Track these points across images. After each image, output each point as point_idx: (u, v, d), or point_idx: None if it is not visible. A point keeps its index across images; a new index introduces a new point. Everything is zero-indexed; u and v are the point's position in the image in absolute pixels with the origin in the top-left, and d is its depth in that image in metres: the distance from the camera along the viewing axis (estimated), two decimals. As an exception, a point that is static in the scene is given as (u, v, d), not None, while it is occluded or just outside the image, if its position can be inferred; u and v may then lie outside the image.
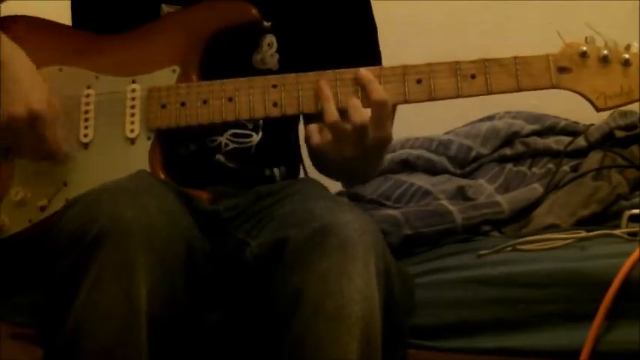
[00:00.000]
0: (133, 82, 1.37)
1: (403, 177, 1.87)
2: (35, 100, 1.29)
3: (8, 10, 1.44)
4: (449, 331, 1.30)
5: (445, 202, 1.68)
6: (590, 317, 1.20)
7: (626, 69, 1.26)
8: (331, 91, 1.28)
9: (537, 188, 1.72)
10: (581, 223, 1.59)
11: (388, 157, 1.89)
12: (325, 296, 1.08)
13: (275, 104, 1.31)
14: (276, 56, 1.46)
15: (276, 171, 1.48)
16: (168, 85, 1.35)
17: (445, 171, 1.87)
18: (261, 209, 1.34)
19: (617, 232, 1.42)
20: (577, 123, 1.94)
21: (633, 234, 1.39)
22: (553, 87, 1.28)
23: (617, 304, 1.20)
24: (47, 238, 1.14)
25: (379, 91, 1.26)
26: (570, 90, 1.28)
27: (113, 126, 1.35)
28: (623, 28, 1.47)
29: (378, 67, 1.31)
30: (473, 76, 1.28)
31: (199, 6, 1.40)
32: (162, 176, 1.31)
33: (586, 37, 1.28)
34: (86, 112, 1.37)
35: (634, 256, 1.22)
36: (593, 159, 1.76)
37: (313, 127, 1.28)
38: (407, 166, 1.91)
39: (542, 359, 1.25)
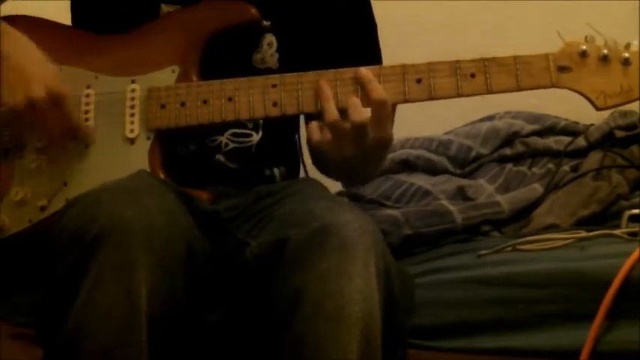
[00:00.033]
0: (133, 82, 1.37)
1: (403, 177, 1.87)
2: (53, 79, 1.30)
3: (8, 10, 1.44)
4: (449, 331, 1.30)
5: (445, 202, 1.68)
6: (590, 317, 1.20)
7: (626, 68, 1.26)
8: (331, 90, 1.28)
9: (537, 188, 1.72)
10: (581, 223, 1.59)
11: (388, 157, 1.89)
12: (325, 296, 1.08)
13: (275, 104, 1.31)
14: (276, 55, 1.46)
15: (276, 171, 1.48)
16: (168, 85, 1.35)
17: (445, 171, 1.87)
18: (261, 209, 1.34)
19: (617, 232, 1.42)
20: (577, 123, 1.94)
21: (633, 234, 1.39)
22: (553, 86, 1.28)
23: (617, 304, 1.20)
24: (47, 238, 1.14)
25: (379, 91, 1.25)
26: (570, 89, 1.28)
27: (113, 126, 1.35)
28: (623, 27, 1.47)
29: (377, 66, 1.31)
30: (472, 76, 1.28)
31: (199, 6, 1.40)
32: (162, 176, 1.31)
33: (586, 37, 1.28)
34: (86, 112, 1.37)
35: (634, 256, 1.22)
36: (593, 159, 1.76)
37: (314, 124, 1.28)
38: (407, 166, 1.91)
39: (542, 359, 1.25)
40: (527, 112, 1.97)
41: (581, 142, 1.84)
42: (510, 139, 1.89)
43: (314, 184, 1.41)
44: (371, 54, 1.48)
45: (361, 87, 1.27)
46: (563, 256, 1.34)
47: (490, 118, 1.98)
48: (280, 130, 1.48)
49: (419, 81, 1.28)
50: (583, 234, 1.43)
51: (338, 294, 1.07)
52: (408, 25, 2.21)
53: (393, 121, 1.29)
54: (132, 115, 1.35)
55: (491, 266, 1.35)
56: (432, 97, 1.29)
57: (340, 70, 1.30)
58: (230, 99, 1.32)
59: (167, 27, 1.41)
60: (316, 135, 1.27)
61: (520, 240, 1.43)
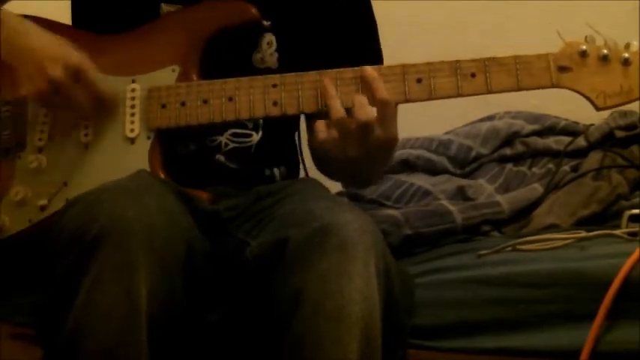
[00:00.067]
0: (133, 81, 1.37)
1: (403, 177, 1.87)
2: (67, 55, 1.30)
3: (8, 9, 1.44)
4: (449, 331, 1.30)
5: (445, 202, 1.68)
6: (590, 317, 1.20)
7: (626, 68, 1.26)
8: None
9: (537, 188, 1.72)
10: (581, 223, 1.59)
11: (388, 157, 1.89)
12: (325, 296, 1.08)
13: (275, 103, 1.31)
14: (276, 55, 1.46)
15: (276, 171, 1.48)
16: (168, 84, 1.35)
17: (445, 171, 1.87)
18: (261, 209, 1.34)
19: (617, 232, 1.42)
20: (577, 123, 1.94)
21: (633, 234, 1.39)
22: (553, 86, 1.28)
23: (617, 304, 1.20)
24: (47, 238, 1.14)
25: (384, 90, 1.25)
26: (570, 89, 1.28)
27: (113, 126, 1.35)
28: (623, 28, 1.47)
29: (378, 66, 1.31)
30: (473, 75, 1.28)
31: (199, 5, 1.40)
32: (162, 176, 1.31)
33: (586, 37, 1.28)
34: (87, 111, 1.37)
35: (634, 256, 1.21)
36: (593, 159, 1.76)
37: (320, 123, 1.27)
38: (407, 166, 1.91)
39: (542, 359, 1.24)
40: (527, 112, 1.96)
41: (581, 142, 1.84)
42: (510, 139, 1.89)
43: (314, 184, 1.41)
44: (371, 54, 1.48)
45: (367, 86, 1.27)
46: (563, 256, 1.34)
47: (490, 118, 1.98)
48: (280, 130, 1.48)
49: (419, 81, 1.28)
50: (583, 234, 1.43)
51: (338, 294, 1.08)
52: (408, 25, 2.20)
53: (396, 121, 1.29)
54: (132, 114, 1.35)
55: (491, 266, 1.35)
56: (432, 97, 1.29)
57: (341, 70, 1.30)
58: (230, 99, 1.32)
59: (167, 27, 1.41)
60: (322, 133, 1.26)
61: (520, 240, 1.43)
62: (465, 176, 1.86)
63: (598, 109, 1.27)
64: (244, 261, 1.22)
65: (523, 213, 1.68)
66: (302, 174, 1.59)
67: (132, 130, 1.34)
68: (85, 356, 1.04)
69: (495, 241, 1.54)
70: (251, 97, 1.32)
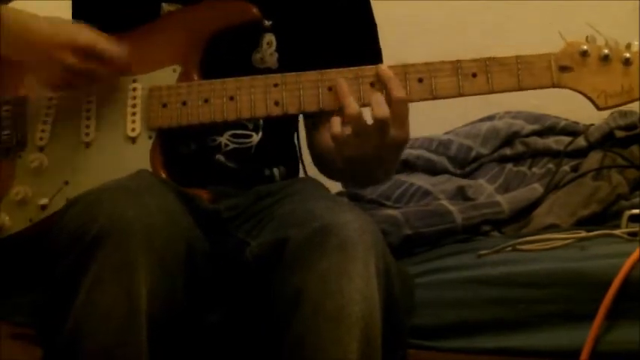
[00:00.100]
0: (134, 81, 1.37)
1: (403, 177, 1.87)
2: (70, 37, 1.30)
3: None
4: (449, 331, 1.30)
5: (445, 202, 1.68)
6: (590, 317, 1.20)
7: (627, 68, 1.26)
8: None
9: (537, 188, 1.72)
10: (581, 223, 1.59)
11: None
12: (325, 296, 1.08)
13: (277, 103, 1.31)
14: (276, 55, 1.46)
15: (275, 171, 1.48)
16: (169, 84, 1.36)
17: (445, 171, 1.87)
18: (261, 209, 1.34)
19: (617, 232, 1.42)
20: (577, 123, 1.94)
21: (633, 234, 1.39)
22: (554, 86, 1.28)
23: (617, 304, 1.20)
24: (48, 238, 1.14)
25: (400, 88, 1.25)
26: (571, 89, 1.28)
27: (114, 125, 1.35)
28: (623, 28, 1.47)
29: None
30: (474, 75, 1.28)
31: (200, 5, 1.40)
32: (163, 175, 1.31)
33: (587, 36, 1.28)
34: (87, 110, 1.37)
35: (634, 256, 1.22)
36: (593, 159, 1.76)
37: (337, 118, 1.25)
38: (407, 166, 1.91)
39: (542, 359, 1.25)
40: (527, 112, 1.96)
41: (581, 142, 1.84)
42: (510, 139, 1.89)
43: (314, 184, 1.41)
44: (371, 54, 1.48)
45: (382, 85, 1.26)
46: (563, 256, 1.34)
47: (490, 118, 1.98)
48: (280, 130, 1.48)
49: (420, 80, 1.28)
50: (583, 234, 1.43)
51: (338, 294, 1.07)
52: (408, 25, 2.20)
53: None
54: (133, 114, 1.35)
55: (491, 266, 1.35)
56: (433, 97, 1.29)
57: (341, 69, 1.30)
58: (231, 98, 1.32)
59: (168, 26, 1.41)
60: (336, 127, 1.24)
61: (520, 240, 1.43)
62: (465, 176, 1.86)
63: (599, 108, 1.27)
64: (244, 261, 1.22)
65: (523, 213, 1.68)
66: (302, 174, 1.59)
67: (133, 130, 1.34)
68: (85, 356, 1.04)
69: (495, 241, 1.54)
70: (252, 96, 1.32)
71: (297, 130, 1.55)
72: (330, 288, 1.08)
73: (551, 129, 1.93)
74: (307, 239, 1.12)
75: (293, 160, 1.56)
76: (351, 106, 1.25)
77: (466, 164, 1.88)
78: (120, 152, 1.34)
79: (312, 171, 1.58)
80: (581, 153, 1.82)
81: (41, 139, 1.37)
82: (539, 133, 1.91)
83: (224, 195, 1.37)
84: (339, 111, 1.26)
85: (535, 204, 1.68)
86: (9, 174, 1.36)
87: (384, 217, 1.62)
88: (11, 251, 1.32)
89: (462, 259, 1.44)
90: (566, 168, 1.77)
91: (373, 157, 1.25)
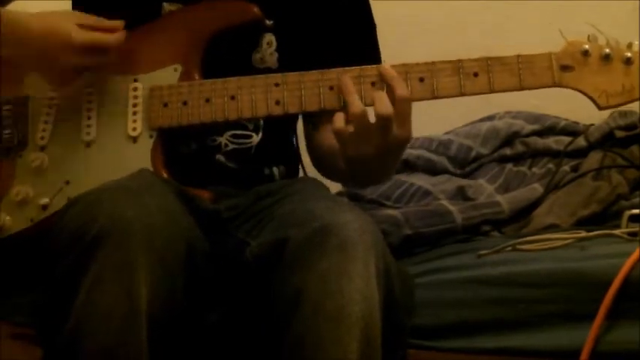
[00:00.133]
0: (135, 80, 1.37)
1: (403, 177, 1.87)
2: (71, 36, 1.30)
3: (9, 9, 1.44)
4: (449, 331, 1.30)
5: (445, 202, 1.68)
6: (590, 317, 1.20)
7: (628, 67, 1.26)
8: (327, 89, 1.29)
9: (537, 188, 1.72)
10: (581, 223, 1.59)
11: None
12: (325, 296, 1.08)
13: (278, 102, 1.31)
14: (276, 55, 1.46)
15: (275, 170, 1.48)
16: (170, 83, 1.36)
17: (445, 171, 1.87)
18: (261, 209, 1.34)
19: (617, 232, 1.42)
20: (577, 123, 1.94)
21: (633, 234, 1.39)
22: (555, 85, 1.28)
23: (617, 304, 1.20)
24: (48, 238, 1.14)
25: (404, 87, 1.25)
26: (572, 88, 1.28)
27: (115, 124, 1.35)
28: (624, 27, 1.47)
29: (381, 64, 1.31)
30: (475, 75, 1.28)
31: (201, 5, 1.40)
32: (164, 175, 1.31)
33: (588, 36, 1.28)
34: (88, 110, 1.37)
35: (634, 256, 1.22)
36: (593, 159, 1.76)
37: (340, 115, 1.26)
38: (407, 166, 1.91)
39: (542, 359, 1.25)
40: (527, 112, 1.96)
41: (581, 142, 1.84)
42: (510, 139, 1.89)
43: (314, 184, 1.41)
44: (370, 54, 1.48)
45: (385, 84, 1.26)
46: (563, 256, 1.34)
47: (490, 118, 1.98)
48: (280, 130, 1.48)
49: (421, 80, 1.28)
50: (583, 234, 1.43)
51: (338, 294, 1.07)
52: (408, 25, 2.20)
53: None
54: (134, 113, 1.35)
55: (491, 266, 1.35)
56: (434, 97, 1.29)
57: (342, 69, 1.30)
58: (233, 97, 1.32)
59: (169, 26, 1.41)
60: (340, 123, 1.25)
61: (520, 240, 1.43)
62: (465, 176, 1.86)
63: (600, 108, 1.27)
64: (244, 261, 1.22)
65: (523, 213, 1.67)
66: (301, 173, 1.59)
67: (134, 129, 1.34)
68: (85, 356, 1.04)
69: (495, 241, 1.54)
70: (253, 96, 1.32)
71: (296, 130, 1.55)
72: (330, 288, 1.08)
73: (551, 129, 1.93)
74: (307, 239, 1.12)
75: (293, 160, 1.56)
76: (355, 104, 1.25)
77: (466, 164, 1.88)
78: (121, 152, 1.34)
79: (312, 171, 1.58)
80: (581, 153, 1.82)
81: (42, 138, 1.37)
82: (539, 133, 1.91)
83: (224, 195, 1.37)
84: (343, 109, 1.27)
85: (535, 204, 1.68)
86: (10, 173, 1.36)
87: (384, 217, 1.62)
88: (11, 251, 1.32)
89: (462, 259, 1.44)
90: (566, 168, 1.77)
91: (375, 157, 1.25)
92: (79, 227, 1.08)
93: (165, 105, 1.34)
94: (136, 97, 1.36)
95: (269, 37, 1.45)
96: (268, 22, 1.44)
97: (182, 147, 1.40)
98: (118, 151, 1.34)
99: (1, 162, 1.37)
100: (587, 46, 1.27)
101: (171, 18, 1.42)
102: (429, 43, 2.18)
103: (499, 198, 1.70)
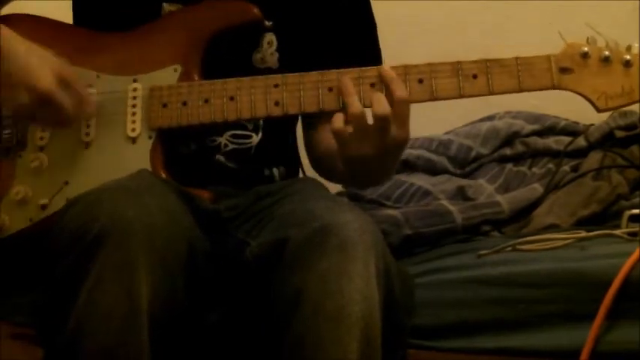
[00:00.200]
0: (135, 81, 1.37)
1: (403, 177, 1.87)
2: (37, 81, 1.25)
3: (9, 9, 1.44)
4: (449, 331, 1.30)
5: (445, 202, 1.68)
6: (590, 317, 1.20)
7: (627, 70, 1.26)
8: (326, 90, 1.29)
9: (537, 188, 1.72)
10: (581, 223, 1.59)
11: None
12: (325, 296, 1.08)
13: (277, 103, 1.31)
14: (276, 55, 1.46)
15: (275, 171, 1.48)
16: (170, 84, 1.36)
17: (445, 171, 1.87)
18: (261, 209, 1.34)
19: (617, 232, 1.42)
20: (577, 123, 1.94)
21: (633, 234, 1.39)
22: (554, 87, 1.28)
23: (617, 304, 1.20)
24: (48, 238, 1.14)
25: (403, 89, 1.25)
26: (572, 90, 1.28)
27: (114, 125, 1.35)
28: (623, 28, 1.47)
29: (380, 66, 1.31)
30: (474, 77, 1.28)
31: (200, 5, 1.40)
32: (163, 175, 1.31)
33: (587, 38, 1.28)
34: (88, 111, 1.37)
35: (634, 256, 1.22)
36: (593, 159, 1.76)
37: (340, 115, 1.26)
38: (407, 166, 1.91)
39: (542, 359, 1.25)
40: (527, 112, 1.96)
41: (581, 142, 1.84)
42: (510, 139, 1.89)
43: (314, 184, 1.41)
44: (371, 54, 1.48)
45: (384, 85, 1.27)
46: (563, 256, 1.34)
47: (490, 118, 1.98)
48: (280, 131, 1.48)
49: (421, 81, 1.28)
50: (583, 234, 1.43)
51: (338, 294, 1.08)
52: (408, 25, 2.20)
53: None
54: (133, 114, 1.35)
55: (491, 266, 1.35)
56: (433, 98, 1.29)
57: (342, 70, 1.30)
58: (232, 98, 1.32)
59: (169, 26, 1.41)
60: (338, 123, 1.25)
61: (520, 240, 1.43)
62: (465, 176, 1.86)
63: (599, 110, 1.27)
64: (244, 261, 1.22)
65: (523, 213, 1.68)
66: (300, 174, 1.59)
67: (133, 130, 1.34)
68: (86, 356, 1.04)
69: (495, 241, 1.54)
70: (252, 96, 1.32)
71: (295, 131, 1.56)
72: (330, 288, 1.08)
73: (551, 129, 1.93)
74: (307, 239, 1.12)
75: (293, 160, 1.56)
76: (355, 105, 1.25)
77: (466, 164, 1.88)
78: (120, 152, 1.34)
79: (311, 172, 1.58)
80: (581, 153, 1.82)
81: (41, 138, 1.37)
82: (539, 133, 1.91)
83: (224, 195, 1.37)
84: (342, 109, 1.27)
85: (535, 204, 1.68)
86: (9, 174, 1.36)
87: (384, 217, 1.62)
88: (11, 251, 1.32)
89: (462, 259, 1.44)
90: (566, 168, 1.77)
91: (374, 157, 1.25)
92: (79, 227, 1.08)
93: (165, 105, 1.34)
94: (135, 97, 1.36)
95: (269, 37, 1.45)
96: (268, 23, 1.44)
97: (181, 147, 1.40)
98: (117, 152, 1.34)
99: (1, 162, 1.37)
100: (586, 49, 1.27)
101: (171, 18, 1.42)
102: (429, 43, 2.18)
103: (499, 198, 1.70)
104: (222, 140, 1.42)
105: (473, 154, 1.88)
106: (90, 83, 1.38)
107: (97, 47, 1.40)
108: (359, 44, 1.49)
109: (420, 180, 1.84)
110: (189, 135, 1.39)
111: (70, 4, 1.50)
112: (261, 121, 1.44)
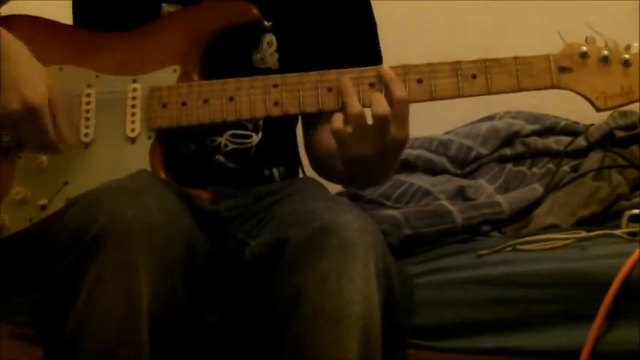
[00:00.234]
0: (134, 81, 1.37)
1: (403, 177, 1.87)
2: (32, 93, 1.26)
3: (8, 9, 1.44)
4: (449, 331, 1.30)
5: (445, 202, 1.68)
6: (590, 317, 1.20)
7: (627, 69, 1.26)
8: (326, 90, 1.29)
9: (537, 188, 1.72)
10: (581, 223, 1.59)
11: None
12: (325, 296, 1.08)
13: (276, 104, 1.31)
14: (276, 55, 1.46)
15: (275, 171, 1.48)
16: (169, 84, 1.36)
17: (445, 171, 1.87)
18: (260, 209, 1.34)
19: (617, 232, 1.42)
20: (577, 123, 1.94)
21: (633, 234, 1.39)
22: (553, 87, 1.28)
23: (617, 304, 1.20)
24: (48, 238, 1.14)
25: (402, 89, 1.25)
26: (571, 90, 1.28)
27: (114, 125, 1.35)
28: (623, 28, 1.47)
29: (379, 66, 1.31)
30: (474, 76, 1.28)
31: (200, 5, 1.40)
32: (163, 176, 1.31)
33: (586, 37, 1.28)
34: (87, 111, 1.37)
35: (634, 256, 1.22)
36: (593, 159, 1.76)
37: (339, 115, 1.26)
38: (407, 166, 1.91)
39: (542, 359, 1.25)
40: (527, 112, 1.96)
41: (581, 142, 1.84)
42: (510, 139, 1.89)
43: (314, 184, 1.41)
44: (371, 54, 1.48)
45: (384, 85, 1.27)
46: (563, 256, 1.34)
47: (490, 118, 1.98)
48: (279, 131, 1.48)
49: (420, 81, 1.29)
50: (583, 234, 1.43)
51: (338, 294, 1.08)
52: (408, 25, 2.20)
53: None
54: (133, 114, 1.35)
55: (491, 266, 1.35)
56: (432, 98, 1.29)
57: (341, 70, 1.30)
58: (231, 99, 1.32)
59: (168, 27, 1.41)
60: (338, 123, 1.25)
61: (520, 240, 1.43)
62: (465, 176, 1.86)
63: (598, 110, 1.28)
64: (244, 261, 1.22)
65: (523, 213, 1.68)
66: (300, 174, 1.59)
67: (133, 130, 1.34)
68: (86, 356, 1.04)
69: (495, 241, 1.54)
70: (252, 97, 1.32)
71: (295, 131, 1.55)
72: (330, 288, 1.08)
73: (551, 129, 1.93)
74: (307, 239, 1.12)
75: (292, 160, 1.56)
76: (354, 105, 1.25)
77: (466, 164, 1.88)
78: (119, 152, 1.34)
79: (311, 173, 1.58)
80: (581, 153, 1.82)
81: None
82: (539, 133, 1.91)
83: (224, 195, 1.37)
84: (341, 109, 1.27)
85: (535, 204, 1.68)
86: (9, 174, 1.36)
87: (384, 217, 1.62)
88: (11, 251, 1.32)
89: (462, 259, 1.44)
90: (566, 168, 1.77)
91: (373, 157, 1.25)
92: (79, 227, 1.08)
93: (164, 106, 1.34)
94: (134, 97, 1.36)
95: (269, 38, 1.45)
96: (267, 23, 1.44)
97: (181, 147, 1.40)
98: (116, 152, 1.34)
99: (1, 163, 1.37)
100: (585, 48, 1.27)
101: (171, 18, 1.42)
102: (428, 43, 2.18)
103: (499, 198, 1.70)
104: (222, 140, 1.42)
105: (473, 154, 1.88)
106: (89, 83, 1.38)
107: (96, 47, 1.40)
108: (359, 44, 1.49)
109: (420, 180, 1.84)
110: (189, 135, 1.39)
111: (70, 4, 1.50)
112: (261, 121, 1.44)
